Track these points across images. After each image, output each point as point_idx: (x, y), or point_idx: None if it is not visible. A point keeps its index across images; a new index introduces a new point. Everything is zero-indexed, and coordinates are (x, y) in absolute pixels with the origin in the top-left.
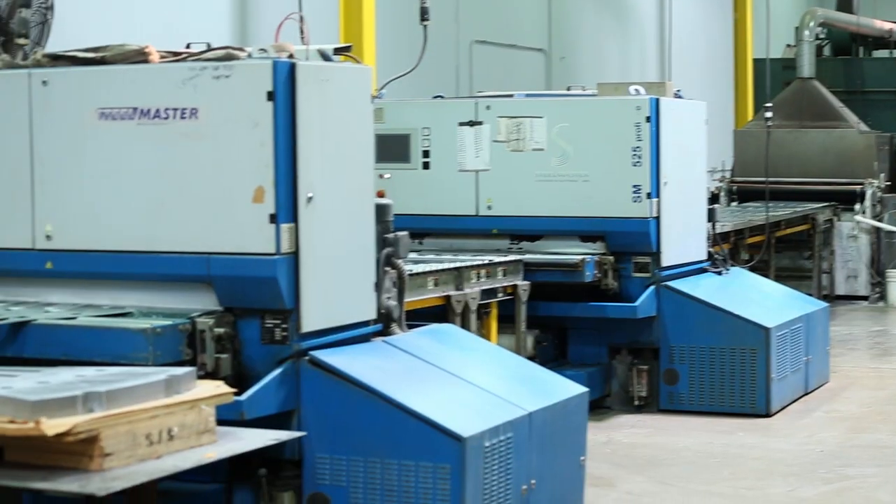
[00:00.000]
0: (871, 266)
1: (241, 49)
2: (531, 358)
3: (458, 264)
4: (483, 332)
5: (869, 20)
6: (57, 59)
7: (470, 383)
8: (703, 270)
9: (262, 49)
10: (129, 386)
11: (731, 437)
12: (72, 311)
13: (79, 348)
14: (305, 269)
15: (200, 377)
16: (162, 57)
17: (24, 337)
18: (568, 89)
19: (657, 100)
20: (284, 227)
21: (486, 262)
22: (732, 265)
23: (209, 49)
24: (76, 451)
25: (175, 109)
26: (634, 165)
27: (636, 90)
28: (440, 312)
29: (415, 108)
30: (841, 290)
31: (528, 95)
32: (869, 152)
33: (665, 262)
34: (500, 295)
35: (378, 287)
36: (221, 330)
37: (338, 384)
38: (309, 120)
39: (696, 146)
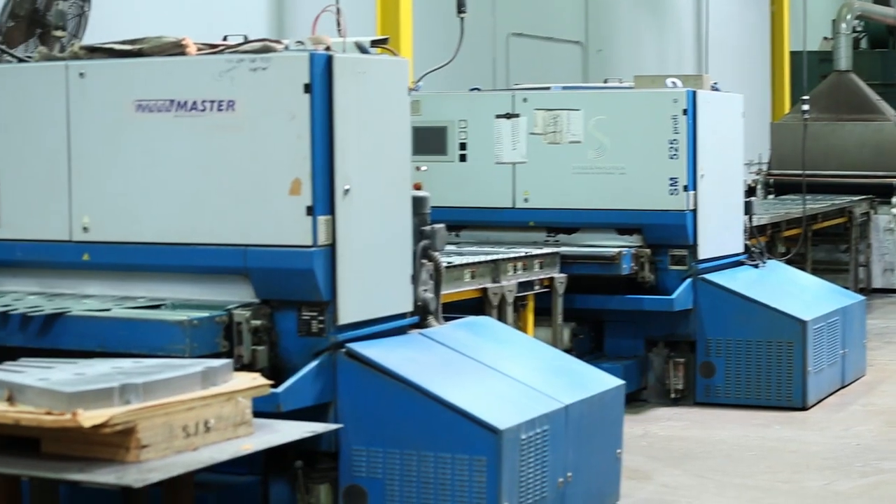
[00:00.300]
0: None
1: (278, 41)
2: (568, 351)
3: (494, 257)
4: (520, 325)
5: None
6: (94, 52)
7: (506, 376)
8: (740, 263)
9: (299, 41)
10: (166, 378)
11: (767, 431)
12: (108, 303)
13: (115, 340)
14: (342, 262)
15: (237, 369)
16: (199, 49)
17: (61, 328)
18: (605, 82)
19: (694, 92)
20: (321, 219)
21: (523, 254)
22: (769, 258)
23: (246, 41)
24: (113, 443)
25: (212, 102)
26: (671, 158)
27: (673, 83)
28: (477, 305)
29: (452, 100)
30: (878, 283)
31: (564, 88)
32: None
33: (702, 254)
34: (536, 287)
35: (415, 279)
36: (258, 322)
37: (374, 376)
38: (346, 112)
39: (733, 139)
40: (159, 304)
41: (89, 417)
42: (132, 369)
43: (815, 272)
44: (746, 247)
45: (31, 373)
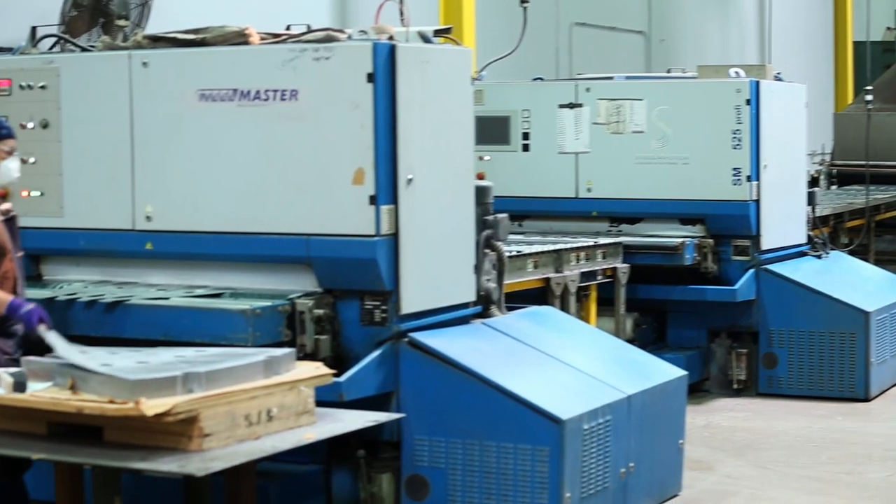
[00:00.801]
0: None
1: (341, 31)
2: (630, 341)
3: (557, 246)
4: (582, 315)
5: None
6: (157, 41)
7: (569, 366)
8: (803, 254)
9: (362, 31)
10: (229, 367)
11: (829, 422)
12: (171, 292)
13: (178, 329)
14: (405, 251)
15: (299, 358)
16: (262, 38)
17: (124, 317)
18: (668, 72)
19: (757, 82)
20: (384, 208)
21: (586, 244)
22: (832, 249)
23: (309, 31)
24: (175, 432)
25: (275, 91)
26: (734, 148)
27: (736, 73)
28: (539, 295)
29: (515, 90)
30: None
31: (627, 78)
32: None
33: (765, 245)
34: (599, 277)
35: (477, 269)
36: (321, 311)
37: (437, 366)
38: (409, 102)
39: (796, 129)
40: (222, 293)
41: (152, 406)
42: (195, 358)
43: (877, 263)
44: (809, 237)
45: (94, 361)
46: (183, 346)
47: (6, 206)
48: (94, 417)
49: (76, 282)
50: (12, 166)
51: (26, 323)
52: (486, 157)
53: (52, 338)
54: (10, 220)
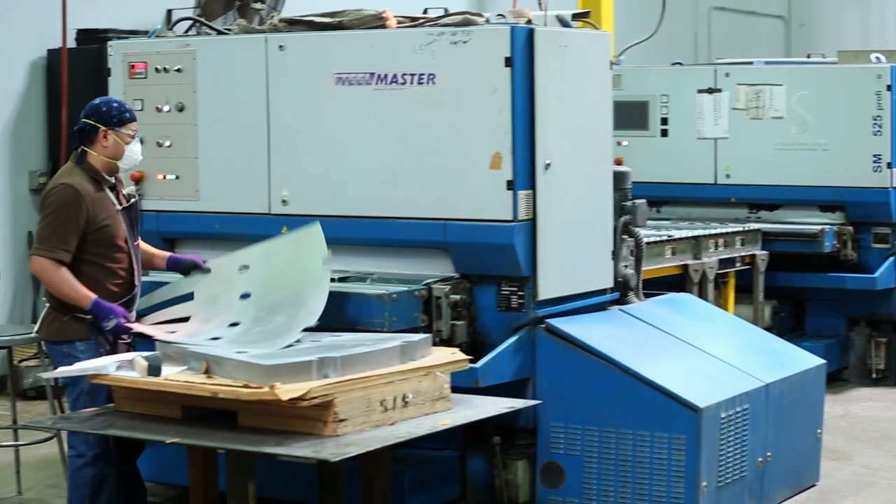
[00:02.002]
0: None
1: (478, 14)
2: (768, 329)
3: (696, 233)
4: (720, 302)
5: None
6: (293, 24)
7: (706, 353)
8: None
9: (499, 14)
10: (364, 352)
11: None
12: None
13: None
14: (542, 237)
15: (435, 344)
16: (399, 22)
17: None
18: (808, 57)
19: None
20: (522, 193)
21: (725, 231)
22: None
23: (446, 14)
24: (310, 417)
25: (412, 75)
26: (875, 135)
27: (877, 58)
28: (677, 281)
29: (653, 74)
30: None
31: (767, 63)
32: None
33: None
34: (737, 264)
35: (615, 255)
36: (457, 297)
37: (574, 352)
38: (547, 86)
39: None
40: (359, 278)
41: (287, 390)
42: (330, 343)
43: None
44: None
45: (228, 346)
46: (318, 331)
47: (129, 189)
48: (228, 402)
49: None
50: (136, 150)
51: (109, 331)
52: (624, 143)
53: (150, 331)
54: (131, 207)
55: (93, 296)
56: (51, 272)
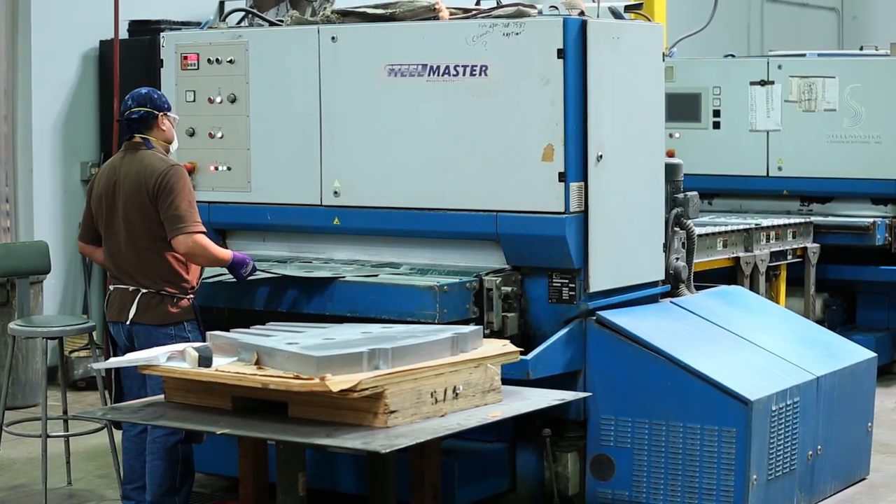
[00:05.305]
0: None
1: (531, 6)
2: (819, 321)
3: (748, 225)
4: (771, 295)
5: None
6: (346, 16)
7: (757, 346)
8: None
9: (552, 6)
10: (415, 343)
11: None
12: (352, 268)
13: (365, 305)
14: (594, 229)
15: (486, 336)
16: (451, 14)
17: (309, 293)
18: (860, 49)
19: None
20: (574, 185)
21: (777, 223)
22: None
23: (499, 6)
24: (360, 408)
25: (465, 66)
26: None
27: None
28: (728, 274)
29: (706, 66)
30: None
31: (819, 55)
32: None
33: None
34: (789, 257)
35: (666, 247)
36: (509, 288)
37: (625, 345)
38: (599, 78)
39: None
40: (409, 270)
41: (338, 382)
42: (381, 334)
43: None
44: None
45: (279, 337)
46: (369, 322)
47: None
48: (279, 393)
49: (264, 260)
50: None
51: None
52: (676, 135)
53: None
54: None
55: (230, 251)
56: (207, 245)
